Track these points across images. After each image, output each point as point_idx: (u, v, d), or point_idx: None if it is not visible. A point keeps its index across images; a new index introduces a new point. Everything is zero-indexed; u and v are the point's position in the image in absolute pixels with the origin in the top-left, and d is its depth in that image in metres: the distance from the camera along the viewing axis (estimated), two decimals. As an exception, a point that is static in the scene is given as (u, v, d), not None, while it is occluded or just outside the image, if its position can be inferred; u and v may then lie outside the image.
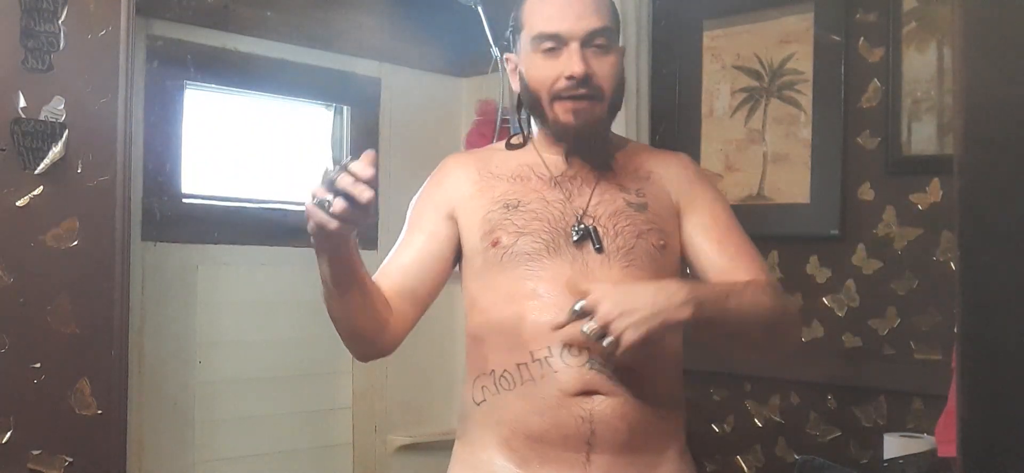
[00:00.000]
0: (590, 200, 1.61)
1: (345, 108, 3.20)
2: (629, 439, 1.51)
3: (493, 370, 1.56)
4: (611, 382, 1.49)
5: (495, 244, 1.58)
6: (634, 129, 2.70)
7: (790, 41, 2.71)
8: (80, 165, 2.09)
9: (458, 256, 1.67)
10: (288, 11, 2.98)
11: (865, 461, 2.49)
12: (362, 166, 1.30)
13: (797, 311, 1.69)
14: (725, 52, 2.85)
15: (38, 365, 2.03)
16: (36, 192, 2.04)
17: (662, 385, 1.56)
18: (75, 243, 2.09)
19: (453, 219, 1.66)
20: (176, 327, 2.74)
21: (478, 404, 1.59)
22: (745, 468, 2.77)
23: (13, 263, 2.01)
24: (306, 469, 3.03)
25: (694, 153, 2.79)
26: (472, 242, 1.63)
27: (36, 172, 2.03)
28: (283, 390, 2.97)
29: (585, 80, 1.56)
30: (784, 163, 2.71)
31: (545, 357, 1.51)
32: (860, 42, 2.59)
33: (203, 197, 2.86)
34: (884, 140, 2.53)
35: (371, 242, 3.04)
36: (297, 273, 2.97)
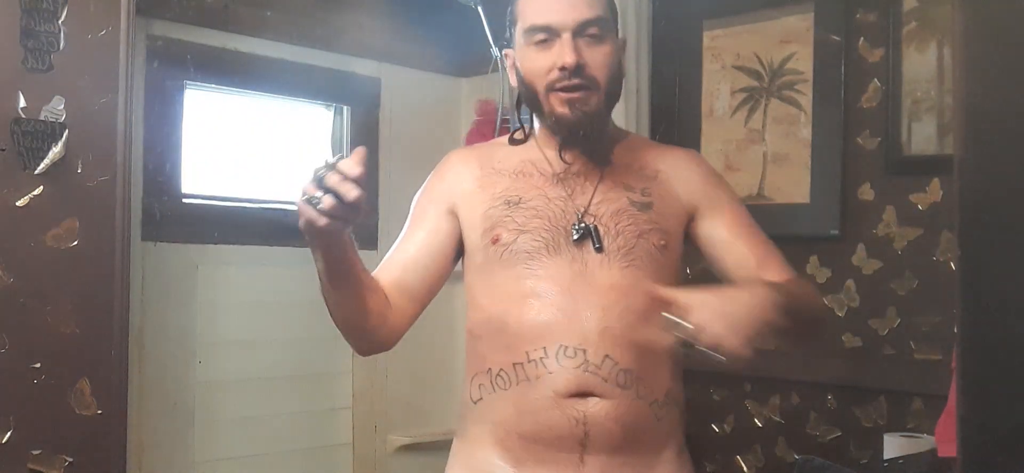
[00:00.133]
0: (592, 198, 1.60)
1: (345, 108, 3.20)
2: (623, 440, 1.51)
3: (490, 368, 1.56)
4: (606, 384, 1.49)
5: (495, 241, 1.58)
6: (634, 129, 2.70)
7: (790, 41, 2.71)
8: (80, 165, 2.09)
9: (460, 252, 1.67)
10: (288, 11, 2.98)
11: (865, 461, 2.49)
12: (350, 164, 1.30)
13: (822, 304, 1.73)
14: (725, 52, 2.85)
15: (38, 365, 2.03)
16: (36, 192, 2.04)
17: (659, 386, 1.55)
18: (75, 243, 2.09)
19: (454, 215, 1.66)
20: (176, 327, 2.74)
21: (475, 402, 1.59)
22: (745, 468, 2.77)
23: (13, 263, 2.01)
24: (306, 469, 3.03)
25: (694, 153, 2.79)
26: (473, 238, 1.63)
27: (36, 172, 2.03)
28: (283, 390, 2.97)
29: (578, 70, 1.54)
30: (784, 163, 2.71)
31: (540, 358, 1.51)
32: (860, 42, 2.59)
33: (203, 197, 2.86)
34: (884, 140, 2.53)
35: (371, 242, 3.04)
36: (297, 273, 2.96)
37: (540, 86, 1.58)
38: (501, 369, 1.54)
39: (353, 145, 3.16)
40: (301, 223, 1.36)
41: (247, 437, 2.88)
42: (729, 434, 2.80)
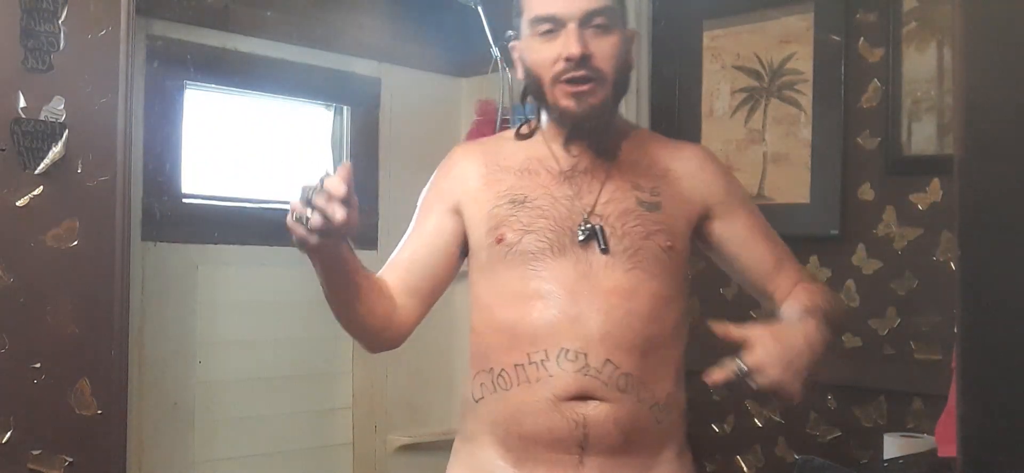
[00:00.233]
0: (599, 197, 1.58)
1: (345, 108, 3.20)
2: (623, 442, 1.51)
3: (491, 368, 1.56)
4: (606, 388, 1.49)
5: (500, 241, 1.56)
6: (634, 129, 2.70)
7: (790, 41, 2.71)
8: (80, 165, 2.09)
9: (466, 249, 1.66)
10: (288, 11, 2.98)
11: (865, 461, 2.49)
12: (336, 183, 1.30)
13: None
14: (725, 52, 2.85)
15: (38, 365, 2.03)
16: (36, 192, 2.04)
17: (660, 389, 1.54)
18: (75, 243, 2.09)
19: (459, 213, 1.64)
20: (176, 327, 2.74)
21: (477, 401, 1.59)
22: (745, 468, 2.77)
23: (13, 263, 2.01)
24: (306, 469, 3.03)
25: (694, 153, 2.79)
26: (477, 237, 1.62)
27: (36, 172, 2.03)
28: (283, 390, 2.97)
29: (583, 61, 1.52)
30: (784, 163, 2.71)
31: (541, 360, 1.50)
32: (860, 42, 2.59)
33: (203, 197, 2.86)
34: (884, 140, 2.53)
35: (371, 242, 3.04)
36: (297, 273, 2.95)
37: (545, 78, 1.56)
38: (503, 369, 1.54)
39: (353, 145, 3.17)
40: (293, 241, 1.36)
41: (247, 437, 2.88)
42: (729, 434, 2.80)
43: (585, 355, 1.49)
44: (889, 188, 2.53)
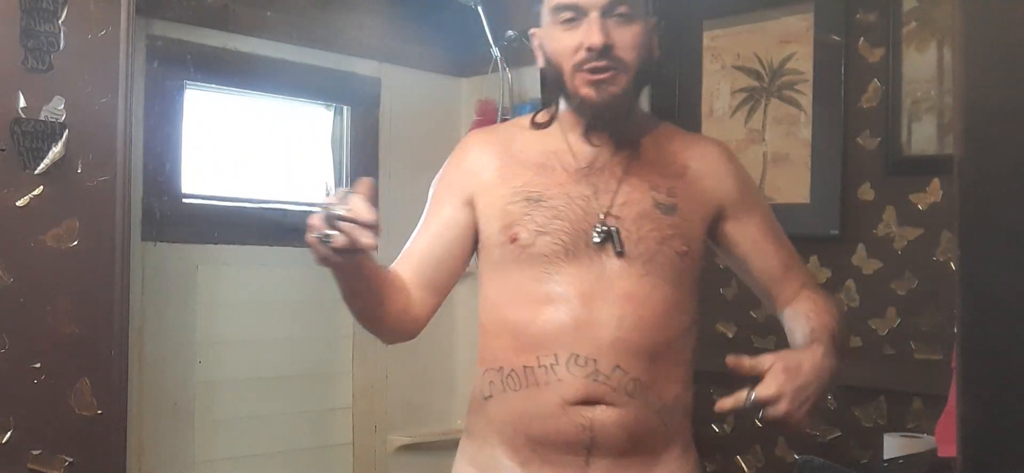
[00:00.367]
0: (615, 198, 1.55)
1: (345, 108, 3.20)
2: (629, 445, 1.51)
3: (501, 367, 1.55)
4: (615, 393, 1.48)
5: (513, 240, 1.54)
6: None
7: (790, 41, 2.71)
8: (80, 165, 2.09)
9: (477, 241, 1.64)
10: (288, 11, 2.98)
11: (865, 461, 2.49)
12: (364, 209, 1.27)
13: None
14: (725, 52, 2.85)
15: (38, 365, 2.03)
16: (36, 192, 2.04)
17: (668, 392, 1.54)
18: (75, 243, 2.09)
19: (472, 206, 1.62)
20: (176, 327, 2.74)
21: (485, 399, 1.59)
22: (745, 468, 2.77)
23: (13, 263, 2.01)
24: (306, 469, 3.03)
25: (694, 153, 2.79)
26: (490, 232, 1.59)
27: (36, 172, 2.03)
28: (283, 390, 2.97)
29: (605, 51, 1.49)
30: (784, 163, 2.71)
31: (551, 364, 1.50)
32: (860, 42, 2.59)
33: (203, 197, 2.86)
34: (884, 140, 2.53)
35: (371, 242, 3.04)
36: (297, 273, 2.97)
37: (566, 67, 1.53)
38: (512, 370, 1.53)
39: (353, 145, 3.17)
40: (315, 259, 1.34)
41: (247, 437, 2.88)
42: (729, 434, 2.80)
43: (595, 361, 1.48)
44: (889, 188, 2.53)
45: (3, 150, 2.00)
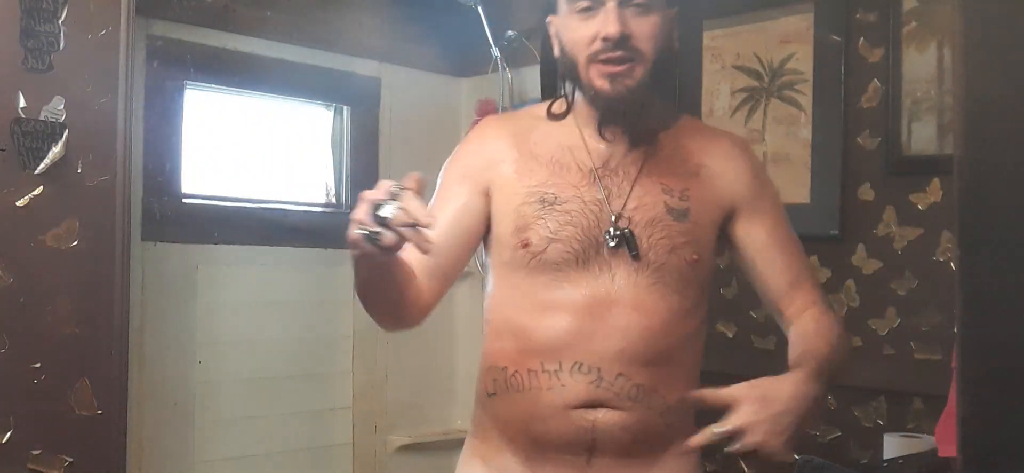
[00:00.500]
0: (627, 202, 1.52)
1: (345, 108, 3.20)
2: (631, 445, 1.51)
3: (505, 368, 1.55)
4: (618, 398, 1.48)
5: (525, 245, 1.52)
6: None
7: (790, 41, 2.71)
8: (80, 165, 2.09)
9: (487, 229, 1.60)
10: (288, 11, 2.98)
11: (865, 461, 2.49)
12: (421, 211, 1.22)
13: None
14: (725, 52, 2.85)
15: (38, 365, 2.03)
16: (36, 192, 2.04)
17: (672, 394, 1.53)
18: (75, 243, 2.09)
19: (487, 197, 1.58)
20: (176, 327, 2.74)
21: (489, 395, 1.59)
22: (745, 468, 2.77)
23: (13, 263, 2.01)
24: (306, 469, 3.03)
25: (694, 153, 2.79)
26: (502, 231, 1.57)
27: (36, 172, 2.03)
28: (283, 390, 2.97)
29: (621, 41, 1.45)
30: (784, 163, 2.70)
31: (554, 371, 1.50)
32: (860, 42, 2.59)
33: (203, 197, 2.86)
34: (884, 140, 2.53)
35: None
36: (297, 273, 2.97)
37: (581, 57, 1.49)
38: (516, 371, 1.53)
39: (353, 145, 3.17)
40: (354, 253, 1.30)
41: (247, 437, 2.88)
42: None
43: (598, 369, 1.48)
44: (889, 188, 2.52)
45: (3, 150, 2.00)
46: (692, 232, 1.53)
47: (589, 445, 1.50)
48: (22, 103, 2.02)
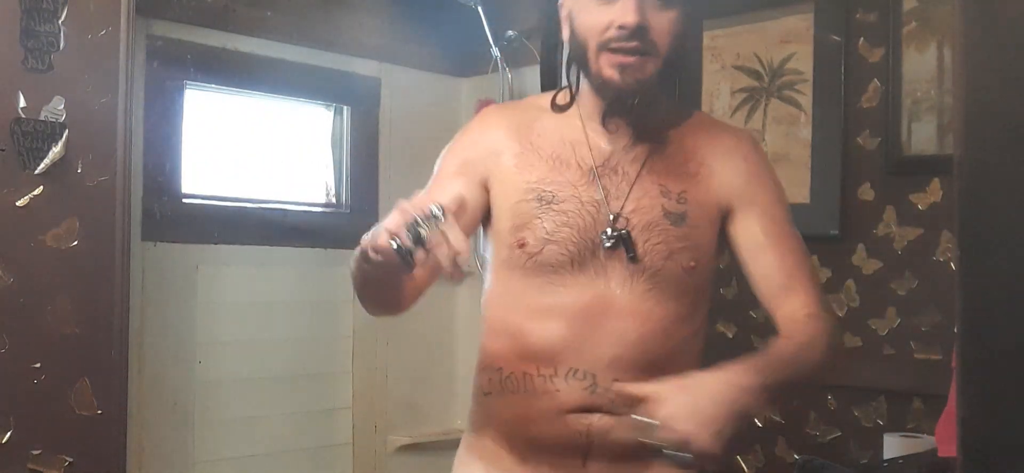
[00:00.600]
0: (625, 204, 1.49)
1: (345, 108, 3.20)
2: (626, 448, 1.50)
3: (500, 368, 1.54)
4: (614, 404, 1.46)
5: (521, 245, 1.50)
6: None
7: (790, 41, 2.71)
8: (80, 165, 2.09)
9: (486, 219, 1.58)
10: (288, 11, 2.98)
11: (865, 461, 2.49)
12: (460, 240, 1.19)
13: (840, 338, 1.56)
14: (725, 52, 2.85)
15: (38, 365, 2.03)
16: (36, 192, 2.04)
17: None
18: (75, 243, 2.09)
19: (487, 190, 1.55)
20: (176, 327, 2.74)
21: (485, 395, 1.58)
22: (745, 468, 2.77)
23: (13, 263, 2.01)
24: (306, 469, 3.03)
25: (694, 153, 2.79)
26: (500, 227, 1.54)
27: (36, 172, 2.03)
28: (283, 390, 2.97)
29: (638, 32, 1.39)
30: (784, 163, 2.70)
31: (549, 375, 1.49)
32: (860, 42, 2.59)
33: (203, 197, 2.86)
34: (884, 140, 2.53)
35: (371, 242, 3.04)
36: (297, 273, 2.97)
37: (592, 43, 1.44)
38: (511, 373, 1.52)
39: (353, 145, 3.17)
40: (375, 257, 1.27)
41: (247, 437, 2.88)
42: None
43: (593, 376, 1.47)
44: (889, 188, 2.53)
45: (3, 150, 2.00)
46: (690, 236, 1.49)
47: (584, 449, 1.49)
48: (22, 103, 2.02)
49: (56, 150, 2.05)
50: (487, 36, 3.07)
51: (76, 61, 2.08)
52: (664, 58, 1.44)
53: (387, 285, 1.45)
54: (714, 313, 2.76)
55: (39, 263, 2.04)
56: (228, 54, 2.85)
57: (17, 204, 2.02)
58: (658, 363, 1.49)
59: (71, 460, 2.07)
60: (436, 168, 1.62)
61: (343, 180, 3.19)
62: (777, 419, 2.70)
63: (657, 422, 1.27)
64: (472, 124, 1.65)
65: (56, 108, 2.06)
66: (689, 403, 1.28)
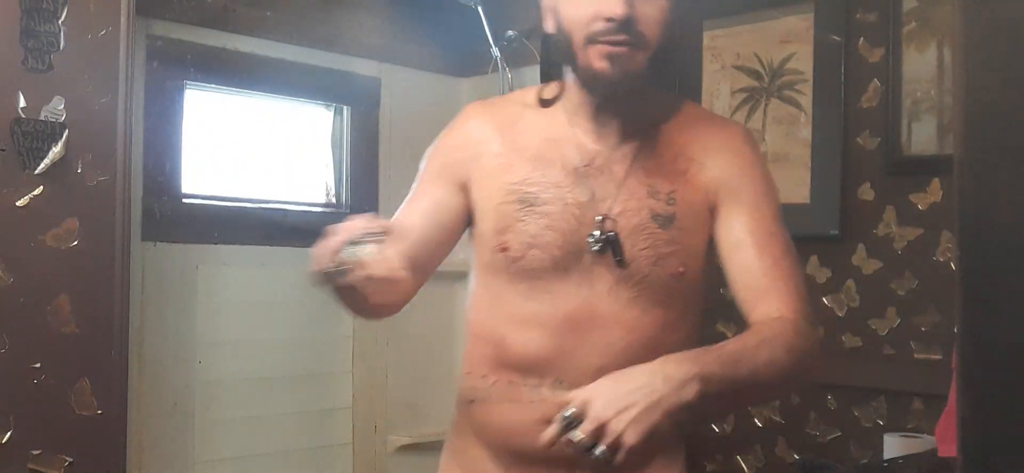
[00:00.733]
0: (613, 206, 1.44)
1: (345, 108, 3.20)
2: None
3: (485, 376, 1.52)
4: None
5: (504, 249, 1.46)
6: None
7: (790, 41, 2.71)
8: (80, 165, 2.09)
9: (470, 221, 1.55)
10: (288, 11, 2.98)
11: (865, 461, 2.49)
12: (384, 268, 1.21)
13: (817, 350, 1.47)
14: (725, 52, 2.85)
15: (38, 365, 2.03)
16: (36, 192, 2.04)
17: None
18: (75, 243, 2.09)
19: (466, 191, 1.52)
20: (176, 327, 2.74)
21: (470, 402, 1.56)
22: (745, 468, 2.77)
23: (13, 263, 2.01)
24: (306, 469, 3.03)
25: (694, 153, 2.79)
26: (483, 229, 1.51)
27: (36, 172, 2.03)
28: (283, 390, 2.97)
29: (626, 23, 1.34)
30: (784, 163, 2.71)
31: (534, 385, 1.46)
32: (860, 42, 2.59)
33: (203, 197, 2.86)
34: (884, 140, 2.53)
35: (371, 242, 3.04)
36: (297, 273, 2.95)
37: (579, 36, 1.38)
38: (495, 381, 1.50)
39: (353, 145, 3.17)
40: (315, 278, 1.28)
41: (247, 437, 2.88)
42: (729, 434, 2.80)
43: (578, 386, 1.45)
44: (889, 188, 2.53)
45: (3, 150, 2.00)
46: (678, 240, 1.44)
47: (570, 460, 1.44)
48: (22, 103, 2.02)
49: (56, 150, 2.05)
50: (487, 36, 3.07)
51: (76, 61, 2.08)
52: (654, 49, 1.39)
53: (357, 300, 1.41)
54: (714, 313, 2.76)
55: (39, 263, 2.04)
56: (228, 54, 2.85)
57: (17, 204, 2.02)
58: None
59: (71, 460, 2.07)
60: (420, 169, 1.61)
61: (343, 180, 3.19)
62: (777, 419, 2.70)
63: (571, 410, 1.22)
64: (453, 124, 1.62)
65: (56, 108, 2.06)
66: (607, 390, 1.23)
